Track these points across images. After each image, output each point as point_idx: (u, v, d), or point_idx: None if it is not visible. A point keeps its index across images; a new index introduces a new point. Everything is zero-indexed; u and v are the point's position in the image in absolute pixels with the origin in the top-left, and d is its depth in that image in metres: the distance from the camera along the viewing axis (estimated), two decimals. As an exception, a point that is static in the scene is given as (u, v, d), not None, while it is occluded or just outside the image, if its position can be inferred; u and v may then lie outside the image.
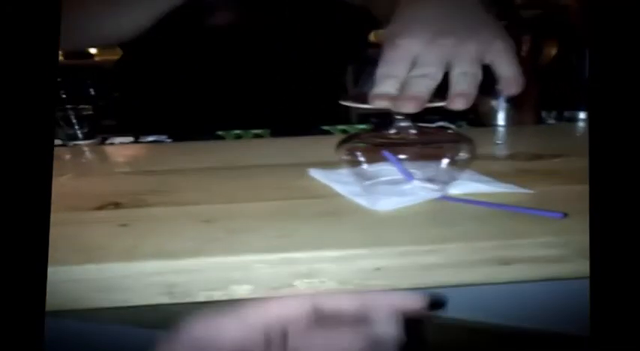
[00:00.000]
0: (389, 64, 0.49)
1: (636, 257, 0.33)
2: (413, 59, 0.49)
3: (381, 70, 0.50)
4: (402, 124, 0.55)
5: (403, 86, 0.49)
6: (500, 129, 0.78)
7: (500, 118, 0.78)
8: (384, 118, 0.56)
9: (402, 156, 0.53)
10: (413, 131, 0.55)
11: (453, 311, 0.51)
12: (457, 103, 0.48)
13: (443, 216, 0.49)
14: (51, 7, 0.34)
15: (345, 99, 0.54)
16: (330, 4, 0.91)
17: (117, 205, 0.54)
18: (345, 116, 1.09)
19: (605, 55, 0.37)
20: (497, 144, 0.73)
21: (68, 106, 0.81)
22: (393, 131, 0.56)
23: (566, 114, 0.80)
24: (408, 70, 0.49)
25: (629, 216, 0.34)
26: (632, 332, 0.33)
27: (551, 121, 0.81)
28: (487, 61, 0.49)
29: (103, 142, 0.83)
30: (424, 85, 0.48)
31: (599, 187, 0.36)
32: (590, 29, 0.38)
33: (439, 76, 0.48)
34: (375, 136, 0.57)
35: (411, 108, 0.49)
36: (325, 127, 0.88)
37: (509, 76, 0.49)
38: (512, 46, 0.51)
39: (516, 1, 3.06)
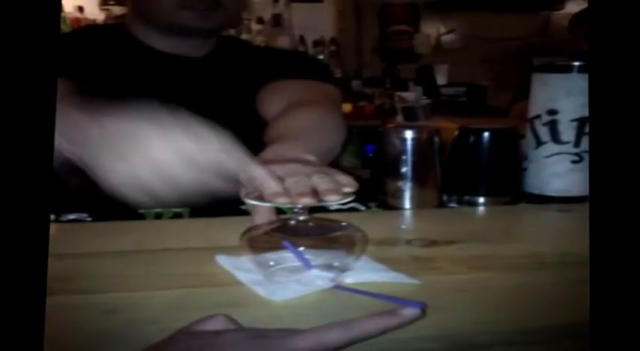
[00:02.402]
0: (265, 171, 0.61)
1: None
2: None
3: (259, 173, 0.60)
4: (301, 216, 0.60)
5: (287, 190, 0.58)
6: (405, 212, 0.83)
7: (405, 201, 0.83)
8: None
9: (300, 247, 0.57)
10: (310, 223, 0.60)
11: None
12: (330, 197, 0.58)
13: (333, 308, 0.52)
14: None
15: (248, 197, 0.59)
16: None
17: (21, 295, 0.55)
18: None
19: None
20: (400, 228, 0.79)
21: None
22: (292, 222, 0.61)
23: (466, 198, 0.86)
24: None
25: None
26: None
27: (453, 205, 0.87)
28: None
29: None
30: (303, 184, 0.58)
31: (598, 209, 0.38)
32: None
33: (308, 180, 0.60)
34: (275, 227, 0.61)
35: (307, 201, 0.57)
36: (244, 207, 0.91)
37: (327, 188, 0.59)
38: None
39: (441, 81, 3.25)
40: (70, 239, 0.76)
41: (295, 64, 1.09)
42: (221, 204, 0.90)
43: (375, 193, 0.88)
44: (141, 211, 0.89)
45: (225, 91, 1.02)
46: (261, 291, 0.54)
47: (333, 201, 0.57)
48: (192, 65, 1.01)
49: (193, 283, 0.57)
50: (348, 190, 0.59)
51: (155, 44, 1.00)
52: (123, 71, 0.97)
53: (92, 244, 0.71)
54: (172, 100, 1.00)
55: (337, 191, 0.58)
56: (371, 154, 1.13)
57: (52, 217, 0.87)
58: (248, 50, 1.12)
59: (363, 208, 0.89)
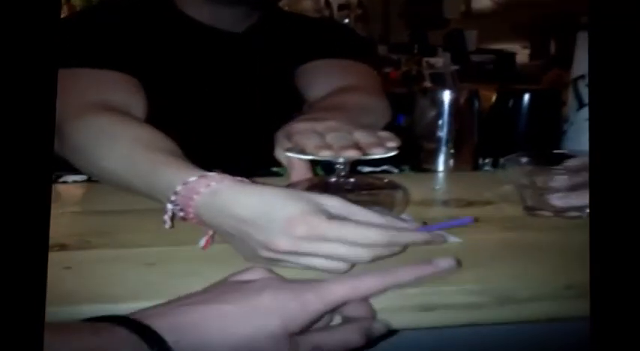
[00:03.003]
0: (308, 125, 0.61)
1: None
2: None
3: (301, 127, 0.59)
4: (342, 172, 0.59)
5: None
6: (439, 174, 0.82)
7: (440, 164, 0.82)
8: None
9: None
10: (351, 179, 0.59)
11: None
12: (374, 150, 0.58)
13: (380, 262, 0.52)
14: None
15: (290, 151, 0.59)
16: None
17: (63, 247, 0.55)
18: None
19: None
20: (435, 189, 0.77)
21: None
22: (333, 179, 0.60)
23: (502, 161, 0.85)
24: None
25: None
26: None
27: (487, 168, 0.86)
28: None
29: (56, 181, 0.84)
30: (346, 138, 0.57)
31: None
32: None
33: (350, 135, 0.58)
34: (315, 184, 0.60)
35: (351, 154, 0.56)
36: (275, 169, 0.91)
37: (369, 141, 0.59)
38: None
39: (470, 47, 3.18)
40: (106, 197, 0.76)
41: (340, 42, 1.05)
42: (253, 165, 0.90)
43: (408, 155, 0.87)
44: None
45: (264, 69, 0.99)
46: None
47: (377, 154, 0.56)
48: (232, 41, 0.98)
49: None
50: (391, 144, 0.57)
51: (197, 15, 0.93)
52: (162, 48, 0.91)
53: (128, 202, 0.71)
54: (211, 77, 0.99)
55: (381, 145, 0.57)
56: (397, 124, 1.11)
57: (85, 177, 0.87)
58: (290, 23, 1.06)
59: (395, 170, 0.88)
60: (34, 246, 0.36)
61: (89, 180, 0.86)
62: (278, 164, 0.92)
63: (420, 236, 0.50)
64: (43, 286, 0.36)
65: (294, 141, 0.59)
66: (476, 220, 0.62)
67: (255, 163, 0.93)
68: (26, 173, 0.35)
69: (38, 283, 0.35)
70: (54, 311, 0.43)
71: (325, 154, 0.56)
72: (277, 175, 0.89)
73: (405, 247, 0.50)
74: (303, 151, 0.57)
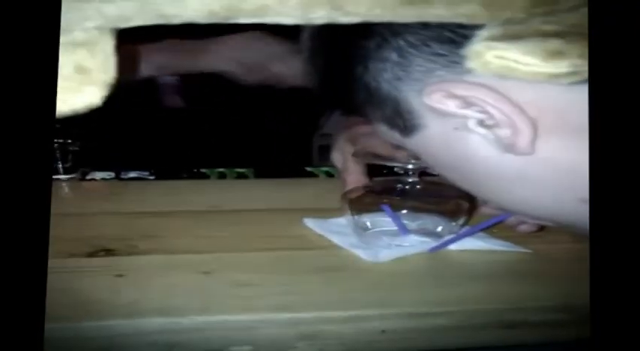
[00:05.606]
0: None
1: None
2: None
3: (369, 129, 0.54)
4: (410, 178, 0.55)
5: None
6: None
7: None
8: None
9: (403, 211, 0.54)
10: (417, 186, 0.56)
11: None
12: None
13: (448, 275, 0.49)
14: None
15: (355, 154, 0.56)
16: None
17: (108, 252, 0.52)
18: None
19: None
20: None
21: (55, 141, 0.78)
22: (400, 185, 0.56)
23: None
24: None
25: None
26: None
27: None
28: None
29: (83, 178, 0.80)
30: None
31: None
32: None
33: None
34: (383, 188, 0.57)
35: None
36: (309, 169, 0.88)
37: None
38: None
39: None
40: (139, 197, 0.73)
41: None
42: (285, 165, 0.88)
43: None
44: (203, 170, 0.86)
45: None
46: (362, 254, 0.51)
47: None
48: None
49: (287, 246, 0.54)
50: None
51: None
52: None
53: (163, 203, 0.68)
54: None
55: None
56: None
57: (112, 174, 0.84)
58: None
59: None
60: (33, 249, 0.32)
61: (117, 177, 0.83)
62: (311, 163, 0.90)
63: None
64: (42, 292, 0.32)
65: (361, 144, 0.56)
66: (540, 229, 0.59)
67: (286, 162, 0.90)
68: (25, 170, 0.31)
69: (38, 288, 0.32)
70: (114, 325, 0.40)
71: (399, 159, 0.52)
72: (312, 175, 0.86)
73: None
74: (370, 155, 0.54)
